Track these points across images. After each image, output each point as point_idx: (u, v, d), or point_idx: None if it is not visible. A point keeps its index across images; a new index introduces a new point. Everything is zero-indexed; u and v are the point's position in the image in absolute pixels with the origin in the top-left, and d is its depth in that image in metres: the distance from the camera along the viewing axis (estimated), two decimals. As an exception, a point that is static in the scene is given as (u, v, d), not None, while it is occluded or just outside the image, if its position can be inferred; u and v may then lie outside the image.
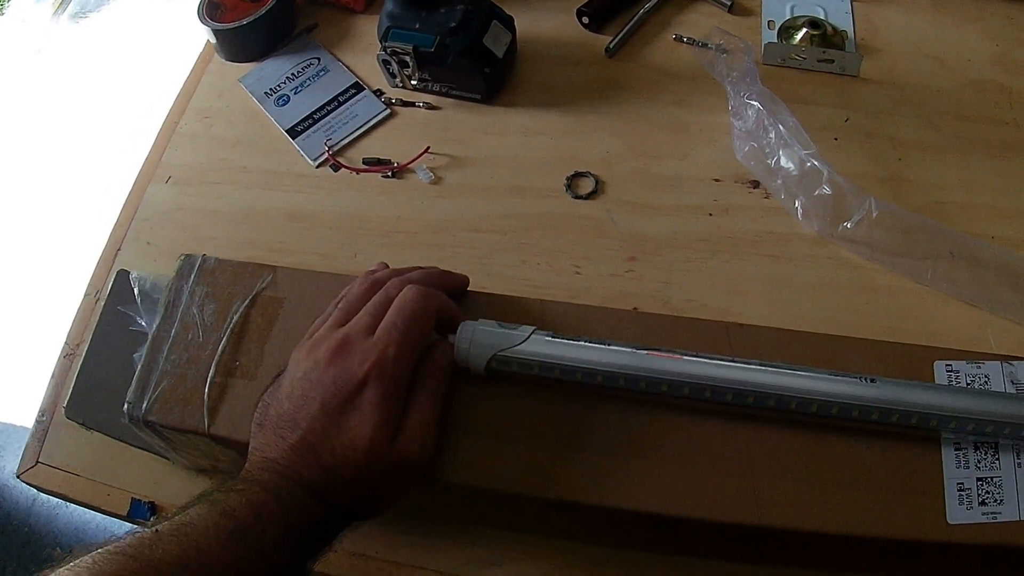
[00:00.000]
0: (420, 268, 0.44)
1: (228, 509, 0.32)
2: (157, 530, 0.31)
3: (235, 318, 0.45)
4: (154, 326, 0.46)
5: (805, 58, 0.59)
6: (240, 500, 0.32)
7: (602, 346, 0.39)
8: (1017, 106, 0.59)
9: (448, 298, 0.41)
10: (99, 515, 0.51)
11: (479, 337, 0.40)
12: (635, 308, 0.50)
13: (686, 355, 0.39)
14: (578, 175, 0.56)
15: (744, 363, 0.38)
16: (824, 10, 0.63)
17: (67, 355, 0.55)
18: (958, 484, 0.37)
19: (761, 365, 0.38)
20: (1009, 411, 0.37)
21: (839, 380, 0.37)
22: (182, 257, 0.48)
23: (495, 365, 0.40)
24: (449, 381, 0.39)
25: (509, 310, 0.44)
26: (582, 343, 0.39)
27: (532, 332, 0.39)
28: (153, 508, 0.50)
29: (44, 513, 1.05)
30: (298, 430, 0.35)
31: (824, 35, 0.60)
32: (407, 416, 0.37)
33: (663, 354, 0.39)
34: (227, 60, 0.65)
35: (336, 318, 0.39)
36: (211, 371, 0.44)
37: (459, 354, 0.40)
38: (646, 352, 0.39)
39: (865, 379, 0.37)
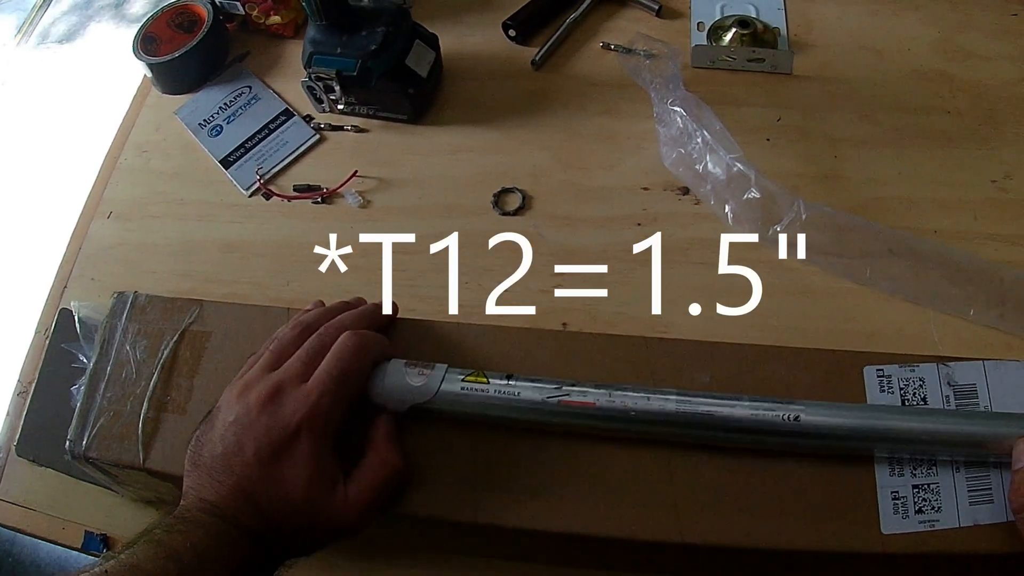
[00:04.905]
0: (349, 305, 0.43)
1: (173, 552, 0.32)
2: (106, 571, 0.31)
3: (165, 353, 0.46)
4: (91, 364, 0.47)
5: (735, 59, 0.58)
6: (184, 543, 0.33)
7: (511, 393, 0.38)
8: (959, 94, 0.58)
9: (385, 340, 0.41)
10: (78, 548, 0.52)
11: (392, 388, 0.39)
12: (564, 324, 0.50)
13: (595, 389, 0.38)
14: (505, 191, 0.56)
15: (662, 394, 0.37)
16: (756, 8, 0.62)
17: (20, 393, 0.56)
18: (892, 492, 0.36)
19: (679, 395, 0.37)
20: (944, 429, 0.35)
21: (761, 410, 0.36)
22: (115, 295, 0.49)
23: (413, 411, 0.39)
24: (400, 452, 0.38)
25: (426, 336, 0.44)
26: (492, 387, 0.38)
27: (443, 377, 0.38)
28: (106, 540, 0.51)
29: (28, 543, 1.07)
30: (232, 475, 0.35)
31: (754, 34, 0.59)
32: (353, 479, 0.36)
33: (573, 399, 0.38)
34: (164, 93, 0.65)
35: (267, 361, 0.39)
36: (144, 407, 0.44)
37: (377, 398, 0.39)
38: (556, 399, 0.38)
39: (789, 416, 0.36)
